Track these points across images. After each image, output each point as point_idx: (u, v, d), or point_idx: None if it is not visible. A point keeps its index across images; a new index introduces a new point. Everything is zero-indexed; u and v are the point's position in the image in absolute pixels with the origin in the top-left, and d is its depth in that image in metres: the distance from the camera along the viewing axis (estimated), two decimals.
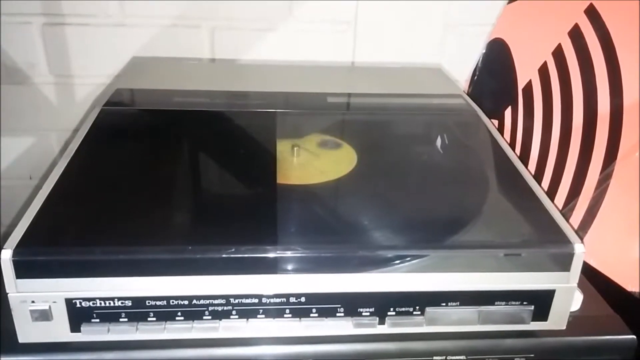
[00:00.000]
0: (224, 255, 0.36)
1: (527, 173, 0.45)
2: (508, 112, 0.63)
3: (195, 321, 0.37)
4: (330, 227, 0.40)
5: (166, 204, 0.41)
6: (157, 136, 0.50)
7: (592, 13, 0.53)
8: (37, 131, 0.73)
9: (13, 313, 0.36)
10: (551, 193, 0.54)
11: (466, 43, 0.70)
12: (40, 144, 0.73)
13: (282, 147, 0.48)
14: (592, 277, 0.45)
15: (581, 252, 0.37)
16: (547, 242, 0.38)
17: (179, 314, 0.37)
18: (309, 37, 0.69)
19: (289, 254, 0.36)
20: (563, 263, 0.38)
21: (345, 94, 0.61)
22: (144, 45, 0.68)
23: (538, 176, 0.56)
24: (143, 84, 0.60)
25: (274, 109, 0.54)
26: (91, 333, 0.37)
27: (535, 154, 0.57)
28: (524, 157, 0.58)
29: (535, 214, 0.41)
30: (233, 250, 0.36)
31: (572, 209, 0.51)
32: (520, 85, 0.61)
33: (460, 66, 0.71)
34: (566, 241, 0.38)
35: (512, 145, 0.61)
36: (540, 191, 0.43)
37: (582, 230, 0.51)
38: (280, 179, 0.44)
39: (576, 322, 0.41)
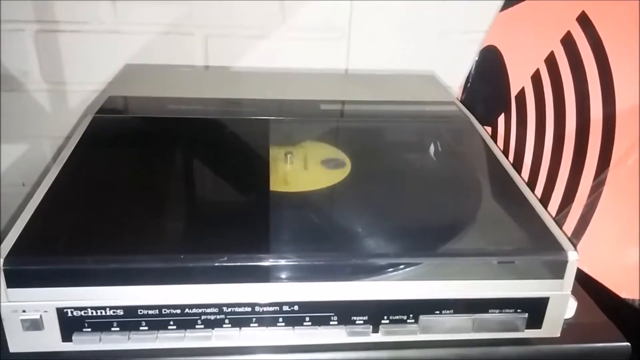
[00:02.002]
0: (216, 264, 0.35)
1: (520, 180, 0.45)
2: (501, 119, 0.63)
3: (187, 330, 0.37)
4: (323, 235, 0.40)
5: (159, 212, 0.41)
6: (149, 144, 0.50)
7: (584, 20, 0.53)
8: (30, 138, 0.72)
9: (4, 322, 0.35)
10: (544, 200, 0.54)
11: (459, 50, 0.70)
12: (33, 151, 0.73)
13: (275, 155, 0.48)
14: (585, 284, 0.45)
15: (575, 259, 0.37)
16: (541, 250, 0.38)
17: (172, 322, 0.37)
18: (302, 45, 0.69)
19: (282, 262, 0.36)
20: (557, 271, 0.38)
21: (338, 101, 0.61)
22: (137, 53, 0.68)
23: (531, 183, 0.56)
24: (136, 91, 0.60)
25: (267, 117, 0.54)
26: (83, 342, 0.36)
27: (529, 161, 0.57)
28: (517, 164, 0.58)
29: (528, 221, 0.41)
30: (226, 258, 0.36)
31: (565, 216, 0.51)
32: (513, 92, 0.61)
33: (453, 73, 0.71)
34: (560, 249, 0.38)
35: (505, 152, 0.61)
36: (533, 199, 0.43)
37: (575, 237, 0.51)
38: (273, 187, 0.44)
39: (570, 329, 0.41)
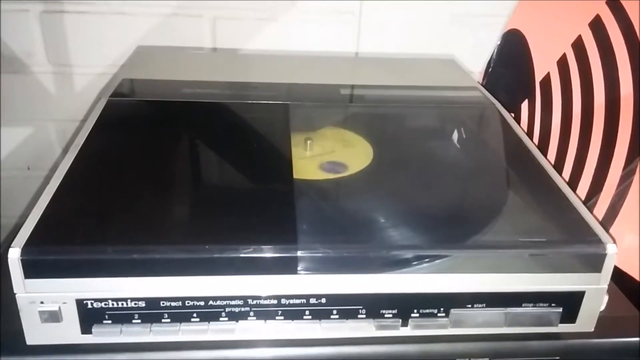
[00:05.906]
0: (241, 255, 0.34)
1: (552, 169, 0.44)
2: (524, 106, 0.61)
3: (211, 322, 0.36)
4: (350, 225, 0.39)
5: (181, 201, 0.40)
6: (167, 129, 0.48)
7: (614, 4, 0.51)
8: (35, 121, 0.71)
9: (21, 314, 0.34)
10: (571, 189, 0.52)
11: (475, 34, 0.69)
12: (39, 135, 0.72)
13: (297, 141, 0.47)
14: (614, 276, 0.44)
15: (613, 252, 0.36)
16: (578, 242, 0.37)
17: (195, 315, 0.36)
18: (311, 27, 0.68)
19: (308, 253, 0.35)
20: (594, 264, 0.36)
21: (359, 85, 0.59)
22: (144, 35, 0.67)
23: (557, 172, 0.55)
24: (149, 74, 0.58)
25: (286, 101, 0.53)
26: (103, 335, 0.35)
27: (554, 149, 0.56)
28: (542, 152, 0.57)
29: (563, 212, 0.39)
30: (251, 249, 0.34)
31: (593, 206, 0.50)
32: (538, 77, 0.59)
33: (471, 58, 0.70)
34: (597, 241, 0.37)
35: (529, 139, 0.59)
36: (567, 188, 0.42)
37: None
38: (297, 174, 0.42)
39: (601, 323, 0.40)
